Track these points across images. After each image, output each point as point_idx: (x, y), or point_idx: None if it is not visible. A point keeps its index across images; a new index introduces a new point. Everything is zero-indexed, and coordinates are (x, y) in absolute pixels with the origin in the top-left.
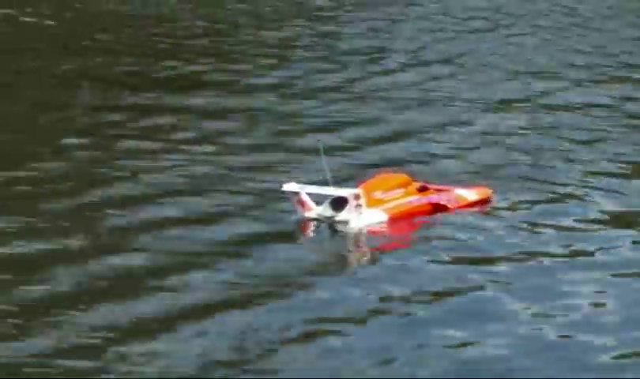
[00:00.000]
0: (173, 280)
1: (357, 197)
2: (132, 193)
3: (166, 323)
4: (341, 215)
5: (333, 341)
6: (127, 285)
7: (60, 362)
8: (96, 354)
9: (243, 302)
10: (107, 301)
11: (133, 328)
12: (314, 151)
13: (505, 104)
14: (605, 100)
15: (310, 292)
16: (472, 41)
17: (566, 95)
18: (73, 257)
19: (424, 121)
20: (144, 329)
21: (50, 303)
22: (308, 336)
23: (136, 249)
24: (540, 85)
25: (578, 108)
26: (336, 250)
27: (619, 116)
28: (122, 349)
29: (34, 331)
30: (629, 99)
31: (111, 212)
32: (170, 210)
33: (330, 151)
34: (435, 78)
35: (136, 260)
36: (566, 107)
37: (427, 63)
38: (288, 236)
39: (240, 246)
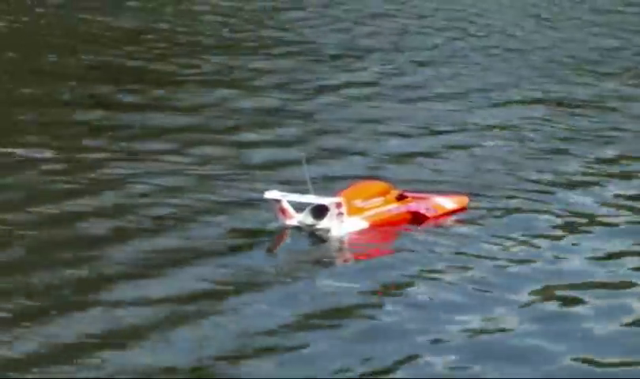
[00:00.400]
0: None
1: (339, 205)
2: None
3: (146, 327)
4: (322, 224)
5: (305, 346)
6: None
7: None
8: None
9: (219, 308)
10: (100, 303)
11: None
12: (296, 158)
13: (481, 111)
14: (582, 105)
15: (288, 298)
16: (449, 48)
17: (542, 102)
18: (56, 261)
19: (401, 129)
20: (127, 332)
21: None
22: (280, 341)
23: (118, 250)
24: (516, 93)
25: (553, 114)
26: (316, 258)
27: (596, 121)
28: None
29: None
30: (608, 99)
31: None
32: (148, 217)
33: (311, 158)
34: (412, 85)
35: (118, 261)
36: (542, 115)
37: (403, 70)
38: (269, 243)
39: (220, 253)
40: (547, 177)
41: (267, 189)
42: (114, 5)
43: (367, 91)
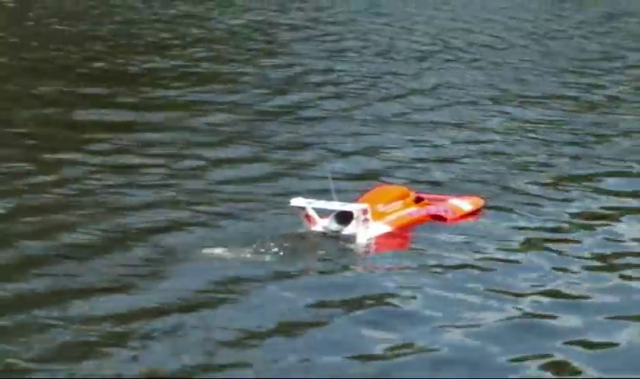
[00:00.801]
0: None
1: (365, 211)
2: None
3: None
4: (348, 229)
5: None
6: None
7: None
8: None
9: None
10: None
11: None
12: (319, 167)
13: (490, 113)
14: (595, 114)
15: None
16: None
17: (552, 107)
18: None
19: (411, 133)
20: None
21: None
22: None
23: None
24: (527, 97)
25: (564, 117)
26: (345, 262)
27: (607, 131)
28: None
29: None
30: (614, 113)
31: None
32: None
33: (328, 165)
34: (419, 89)
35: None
36: (553, 118)
37: (410, 75)
38: (299, 249)
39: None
40: (562, 179)
41: (293, 195)
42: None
43: (370, 94)
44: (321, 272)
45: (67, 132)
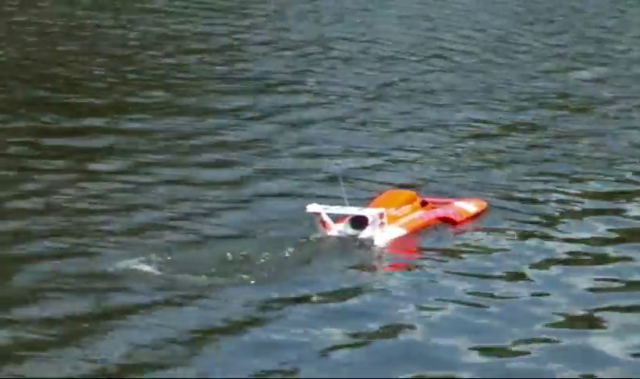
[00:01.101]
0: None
1: (381, 215)
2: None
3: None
4: (364, 233)
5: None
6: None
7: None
8: None
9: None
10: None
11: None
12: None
13: (485, 120)
14: (592, 121)
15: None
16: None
17: (541, 113)
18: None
19: (407, 139)
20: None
21: None
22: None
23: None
24: (524, 101)
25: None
26: (362, 266)
27: (600, 137)
28: None
29: None
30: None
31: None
32: (184, 232)
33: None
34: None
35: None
36: (545, 128)
37: (402, 83)
38: (314, 254)
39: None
40: (559, 180)
41: (308, 203)
42: None
43: (365, 102)
44: (346, 278)
45: (35, 140)
